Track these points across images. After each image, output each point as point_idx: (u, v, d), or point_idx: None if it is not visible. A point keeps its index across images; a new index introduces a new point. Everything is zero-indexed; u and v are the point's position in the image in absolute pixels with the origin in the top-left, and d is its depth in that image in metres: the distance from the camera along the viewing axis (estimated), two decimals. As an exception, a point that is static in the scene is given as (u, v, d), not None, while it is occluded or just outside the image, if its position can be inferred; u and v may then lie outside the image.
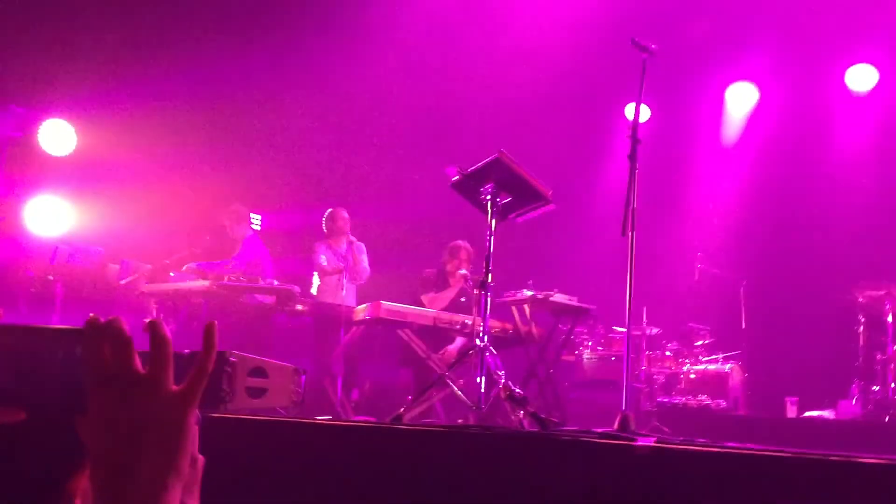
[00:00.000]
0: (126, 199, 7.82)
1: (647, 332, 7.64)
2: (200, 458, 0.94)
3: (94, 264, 7.45)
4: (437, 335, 6.34)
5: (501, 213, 4.60)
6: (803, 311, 7.91)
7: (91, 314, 0.90)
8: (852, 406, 6.67)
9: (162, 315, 7.27)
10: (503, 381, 4.28)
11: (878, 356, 6.73)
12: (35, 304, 7.22)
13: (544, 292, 6.31)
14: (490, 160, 4.52)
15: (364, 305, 6.34)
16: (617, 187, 3.97)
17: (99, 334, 0.88)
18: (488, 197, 4.53)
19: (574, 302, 6.52)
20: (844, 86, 8.60)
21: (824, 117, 8.65)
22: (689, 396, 7.33)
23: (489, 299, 4.56)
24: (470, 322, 6.06)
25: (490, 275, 4.49)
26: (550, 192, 4.68)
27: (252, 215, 8.21)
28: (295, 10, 8.20)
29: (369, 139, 8.74)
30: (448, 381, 4.84)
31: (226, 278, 7.01)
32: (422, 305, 6.66)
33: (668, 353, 7.75)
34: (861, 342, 6.88)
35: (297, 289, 7.22)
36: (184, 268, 7.17)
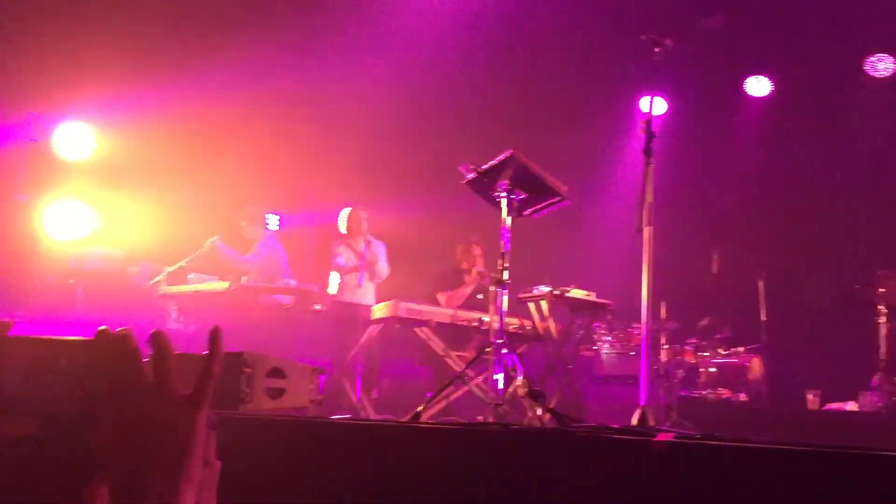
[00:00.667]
0: (145, 202, 7.88)
1: (666, 326, 7.61)
2: (217, 462, 0.96)
3: (113, 268, 7.52)
4: (454, 333, 6.35)
5: (516, 209, 4.59)
6: (823, 303, 7.86)
7: (102, 326, 0.92)
8: (874, 398, 6.62)
9: (182, 317, 7.33)
10: (521, 377, 4.28)
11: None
12: (55, 308, 7.29)
13: (561, 288, 6.30)
14: (504, 157, 4.51)
15: (382, 304, 6.35)
16: (633, 181, 3.96)
17: (109, 345, 0.90)
18: (503, 194, 4.52)
19: (592, 297, 6.50)
20: (863, 74, 8.54)
21: (843, 107, 8.58)
22: (710, 390, 7.30)
23: (506, 296, 4.56)
24: (487, 319, 6.06)
25: (506, 272, 4.48)
26: (565, 189, 4.68)
27: (269, 215, 8.25)
28: (311, 10, 8.21)
29: (385, 138, 8.74)
30: (466, 378, 4.85)
31: (244, 279, 7.05)
32: (437, 303, 6.67)
33: (687, 346, 7.71)
34: (882, 333, 6.82)
35: (315, 288, 7.26)
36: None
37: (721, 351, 7.61)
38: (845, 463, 2.37)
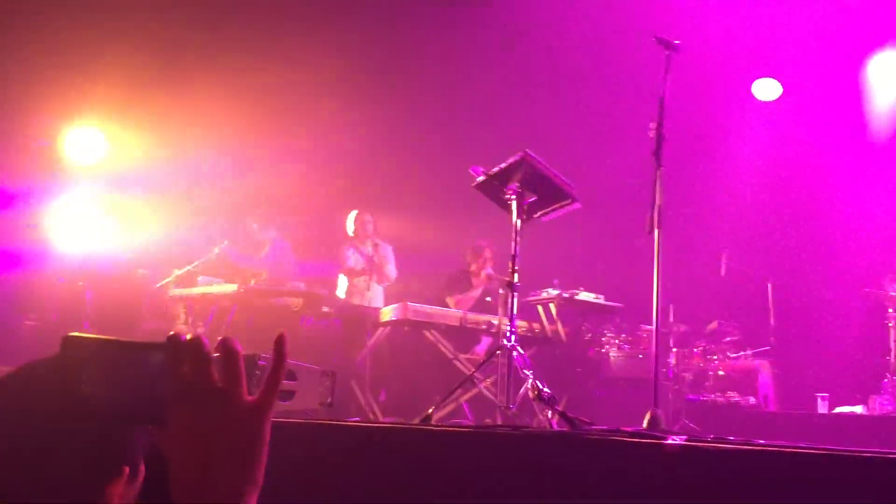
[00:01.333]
0: (154, 206, 7.91)
1: (675, 329, 7.60)
2: None
3: (122, 270, 7.55)
4: (463, 335, 6.36)
5: (527, 212, 4.59)
6: (833, 306, 7.83)
7: (172, 331, 0.94)
8: (884, 401, 6.59)
9: (191, 319, 7.36)
10: (531, 380, 4.28)
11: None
12: (66, 310, 7.32)
13: (570, 291, 6.31)
14: (515, 160, 4.51)
15: (391, 307, 6.37)
16: (642, 184, 3.95)
17: (180, 350, 0.91)
18: (513, 197, 4.53)
19: (600, 300, 6.51)
20: (869, 77, 8.53)
21: (851, 109, 8.57)
22: (718, 393, 7.28)
23: (516, 299, 4.56)
24: (496, 322, 6.06)
25: (516, 274, 4.48)
26: (576, 191, 4.68)
27: (276, 218, 8.27)
28: (317, 12, 8.23)
29: (394, 141, 8.76)
30: (476, 381, 4.85)
31: (252, 282, 7.07)
32: (446, 306, 6.68)
33: (696, 350, 7.69)
34: (892, 337, 6.80)
35: (324, 291, 7.27)
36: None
37: (730, 354, 7.59)
38: (855, 466, 2.36)
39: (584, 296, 6.36)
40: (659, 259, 3.81)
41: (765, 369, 7.37)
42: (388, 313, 6.37)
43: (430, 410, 4.30)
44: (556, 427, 4.17)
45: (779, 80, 8.94)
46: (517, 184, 4.52)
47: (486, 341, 6.48)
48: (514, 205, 4.53)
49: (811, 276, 8.20)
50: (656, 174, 3.86)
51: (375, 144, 8.78)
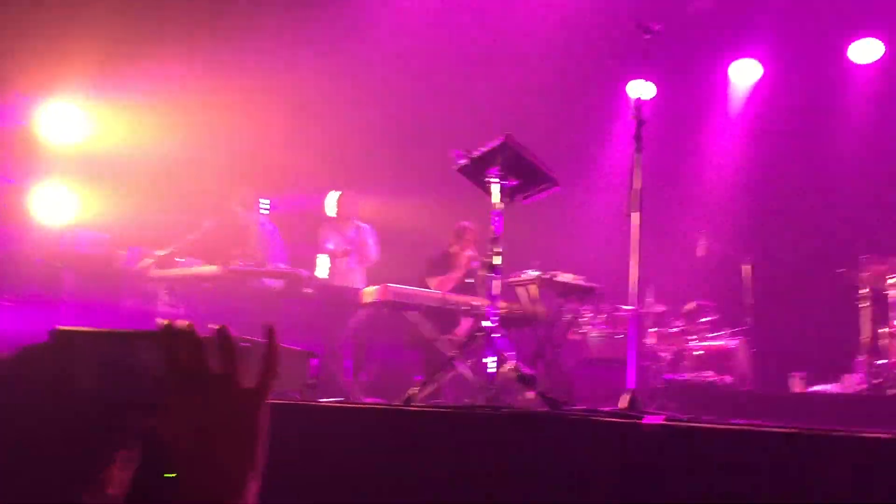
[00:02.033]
0: (133, 186, 7.85)
1: (654, 310, 7.69)
2: None
3: (101, 251, 7.50)
4: (444, 317, 6.39)
5: (508, 195, 4.62)
6: (808, 287, 7.95)
7: (161, 319, 0.95)
8: (857, 380, 6.72)
9: (172, 300, 7.34)
10: (511, 361, 4.32)
11: (883, 330, 6.78)
12: (43, 292, 7.27)
13: (550, 272, 6.34)
14: (496, 144, 4.53)
15: (372, 288, 6.36)
16: (621, 166, 3.97)
17: (174, 338, 0.93)
18: (495, 180, 4.55)
19: (580, 281, 6.56)
20: (847, 60, 8.60)
21: (828, 92, 8.65)
22: (696, 373, 7.38)
23: (498, 281, 4.59)
24: (477, 303, 6.10)
25: (498, 257, 4.52)
26: (557, 175, 4.72)
27: (260, 200, 8.25)
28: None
29: (375, 122, 8.74)
30: (457, 362, 4.89)
31: (234, 263, 7.06)
32: (428, 288, 6.70)
33: (674, 330, 7.79)
34: (865, 317, 6.92)
35: (305, 272, 7.27)
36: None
37: (707, 334, 7.70)
38: (827, 444, 2.42)
39: (564, 277, 6.40)
40: (637, 241, 3.85)
41: (741, 349, 7.48)
42: (369, 294, 6.36)
43: (412, 391, 4.34)
44: (535, 407, 4.23)
45: (759, 61, 9.01)
46: (498, 167, 4.55)
47: (467, 323, 6.52)
48: (495, 188, 4.56)
49: (787, 258, 8.32)
50: (635, 158, 3.90)
51: (358, 125, 8.76)
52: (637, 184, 3.86)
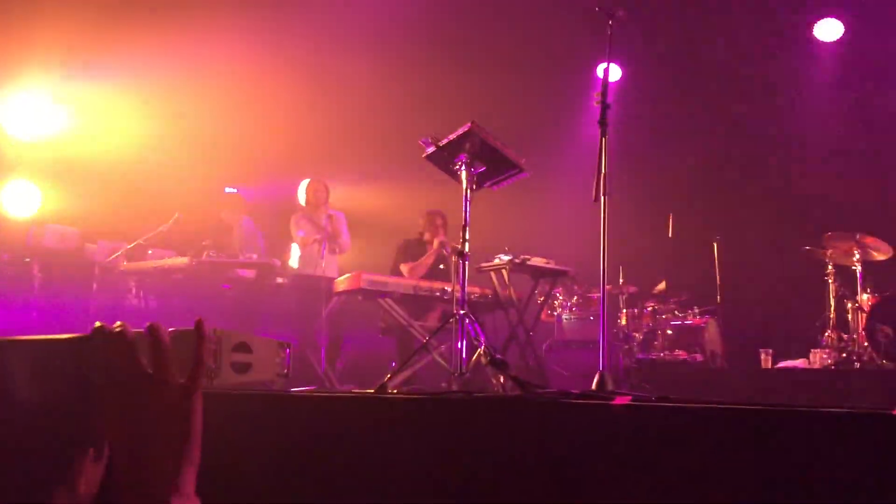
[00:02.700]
0: (101, 179, 7.78)
1: (625, 290, 7.78)
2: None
3: (69, 245, 7.43)
4: (417, 303, 6.42)
5: (476, 181, 4.65)
6: (775, 264, 8.07)
7: (98, 322, 0.97)
8: (824, 355, 6.85)
9: (142, 293, 7.30)
10: (484, 346, 4.37)
11: (848, 305, 6.92)
12: (12, 286, 7.21)
13: (522, 257, 6.40)
14: (462, 131, 4.56)
15: (345, 276, 6.39)
16: (591, 148, 4.00)
17: (106, 340, 0.96)
18: (462, 166, 4.58)
19: (551, 265, 6.62)
20: (809, 34, 8.73)
21: (792, 66, 8.76)
22: (667, 352, 7.49)
23: (467, 267, 4.62)
24: (450, 289, 6.14)
25: (467, 243, 4.55)
26: (523, 161, 4.75)
27: (227, 189, 8.22)
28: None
29: (343, 108, 8.70)
30: (430, 348, 4.93)
31: (205, 254, 7.03)
32: (400, 275, 6.73)
33: (645, 310, 7.89)
34: (831, 293, 7.06)
35: (277, 262, 7.26)
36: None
37: (678, 313, 7.80)
38: (795, 421, 2.48)
39: (536, 260, 6.46)
40: (606, 224, 3.89)
41: (711, 327, 7.59)
42: (342, 283, 6.39)
43: (387, 378, 4.36)
44: (508, 391, 4.27)
45: (721, 40, 9.06)
46: (466, 154, 4.58)
47: (439, 308, 6.55)
48: (463, 174, 4.59)
49: (755, 236, 8.43)
50: (601, 142, 3.93)
51: (326, 112, 8.72)
52: (604, 169, 3.89)
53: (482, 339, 4.39)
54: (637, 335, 7.67)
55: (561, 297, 7.90)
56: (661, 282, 7.94)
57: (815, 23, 8.70)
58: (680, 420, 2.65)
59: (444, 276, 6.60)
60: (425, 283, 6.34)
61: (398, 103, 8.62)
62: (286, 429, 3.27)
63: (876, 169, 8.25)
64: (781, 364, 7.05)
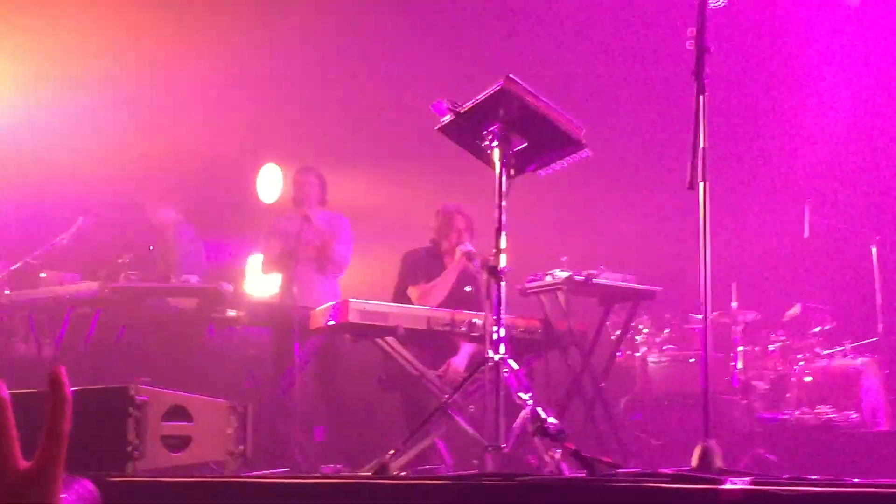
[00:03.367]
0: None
1: (741, 319, 7.73)
2: None
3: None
4: (434, 343, 6.43)
5: (515, 164, 4.65)
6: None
7: None
8: None
9: (33, 334, 7.36)
10: (530, 406, 4.37)
11: None
12: None
13: (586, 272, 6.40)
14: (494, 90, 4.53)
15: (325, 306, 6.37)
16: (673, 119, 3.98)
17: None
18: (495, 142, 4.57)
19: (630, 283, 6.62)
20: None
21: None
22: (806, 409, 7.45)
23: (504, 288, 4.63)
24: (480, 322, 6.14)
25: (503, 255, 4.55)
26: (584, 132, 4.73)
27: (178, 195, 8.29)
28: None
29: (332, 72, 8.79)
30: (452, 409, 4.94)
31: (122, 276, 7.08)
32: (409, 301, 6.74)
33: (772, 347, 7.85)
34: None
35: (227, 287, 7.28)
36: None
37: (821, 351, 7.75)
38: None
39: (606, 278, 6.46)
40: (706, 223, 3.89)
41: (871, 371, 7.53)
42: (321, 316, 6.37)
43: (389, 454, 4.38)
44: (566, 472, 4.27)
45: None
46: (499, 124, 4.57)
47: (466, 350, 6.56)
48: (496, 154, 4.59)
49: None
50: (699, 103, 3.92)
51: (306, 79, 8.81)
52: (703, 142, 3.88)
53: (528, 397, 4.40)
54: (760, 384, 7.64)
55: (646, 331, 7.88)
56: (794, 305, 7.90)
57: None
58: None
59: (472, 303, 6.60)
60: (444, 314, 6.35)
61: (406, 63, 8.67)
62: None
63: None
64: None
